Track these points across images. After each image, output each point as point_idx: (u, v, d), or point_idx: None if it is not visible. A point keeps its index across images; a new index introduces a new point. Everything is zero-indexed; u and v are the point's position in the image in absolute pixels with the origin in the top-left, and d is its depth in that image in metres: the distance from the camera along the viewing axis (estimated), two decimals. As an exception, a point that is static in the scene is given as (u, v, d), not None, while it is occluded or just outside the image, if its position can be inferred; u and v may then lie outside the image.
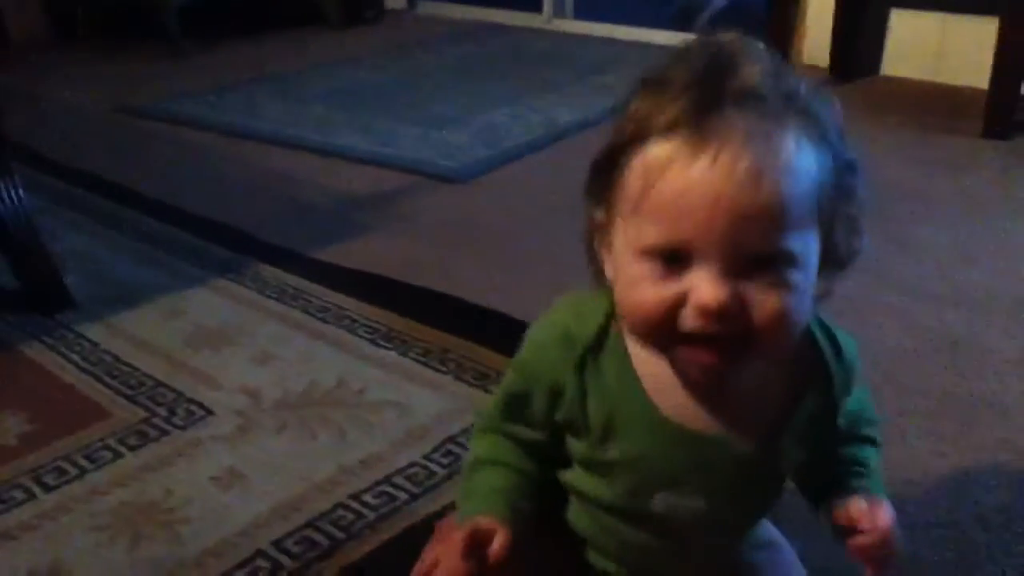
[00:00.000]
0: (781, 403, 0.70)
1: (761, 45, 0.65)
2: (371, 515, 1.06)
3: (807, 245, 0.63)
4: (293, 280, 1.63)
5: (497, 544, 0.68)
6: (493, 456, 0.76)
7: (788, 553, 0.83)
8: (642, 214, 0.63)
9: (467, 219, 1.84)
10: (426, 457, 1.15)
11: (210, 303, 1.56)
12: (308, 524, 1.05)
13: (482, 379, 1.30)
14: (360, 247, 1.76)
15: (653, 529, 0.75)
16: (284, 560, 1.00)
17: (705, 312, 0.61)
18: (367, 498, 1.09)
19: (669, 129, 0.61)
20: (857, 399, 0.75)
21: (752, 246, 0.61)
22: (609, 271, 0.69)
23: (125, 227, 1.89)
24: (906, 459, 1.13)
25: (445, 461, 1.14)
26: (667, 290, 0.62)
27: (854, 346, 0.74)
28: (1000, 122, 2.26)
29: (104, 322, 1.50)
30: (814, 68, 2.84)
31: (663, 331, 0.63)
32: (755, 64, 0.63)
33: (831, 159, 0.64)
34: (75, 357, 1.40)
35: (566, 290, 0.75)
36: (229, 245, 1.78)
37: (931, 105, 2.53)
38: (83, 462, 1.17)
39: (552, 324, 0.73)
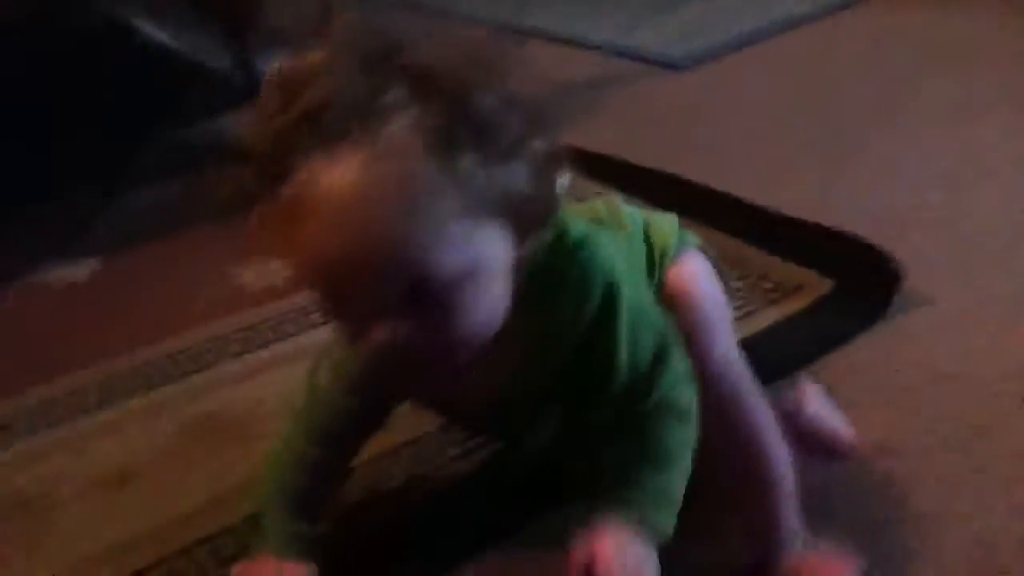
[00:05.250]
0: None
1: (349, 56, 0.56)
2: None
3: (459, 263, 0.58)
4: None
5: None
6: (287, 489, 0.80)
7: None
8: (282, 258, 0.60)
9: (689, 107, 1.84)
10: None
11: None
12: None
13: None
14: (580, 130, 1.79)
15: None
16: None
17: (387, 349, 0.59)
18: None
19: (268, 177, 0.56)
20: (613, 333, 0.68)
21: (379, 294, 0.57)
22: None
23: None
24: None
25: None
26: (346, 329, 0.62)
27: (592, 256, 0.68)
28: None
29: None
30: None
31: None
32: (323, 84, 0.55)
33: (490, 154, 0.57)
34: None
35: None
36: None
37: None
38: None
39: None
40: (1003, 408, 0.94)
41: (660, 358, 0.70)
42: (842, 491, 0.86)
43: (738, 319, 1.12)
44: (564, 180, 0.63)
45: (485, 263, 0.60)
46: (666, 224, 0.82)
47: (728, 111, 1.79)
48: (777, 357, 1.02)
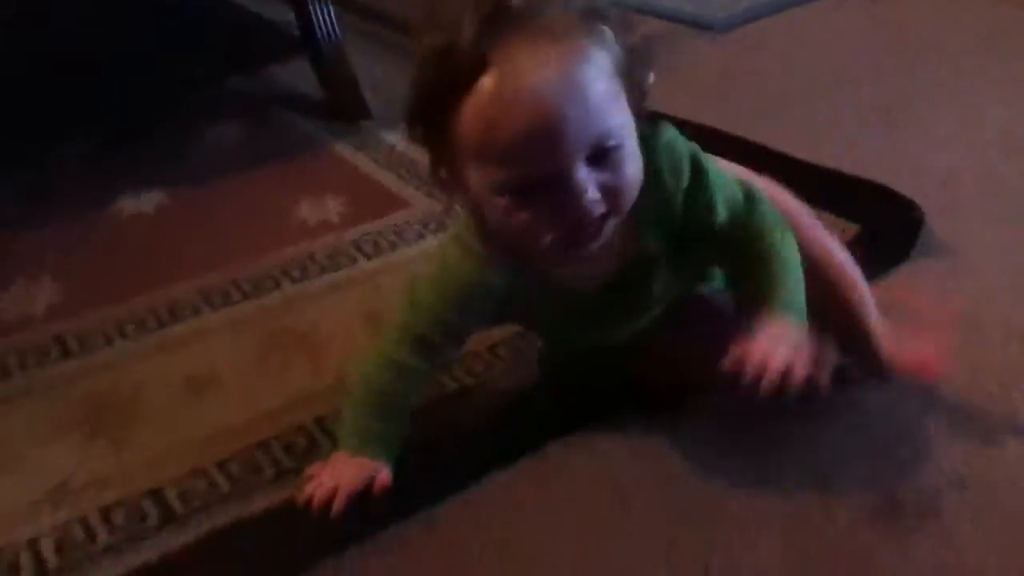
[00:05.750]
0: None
1: None
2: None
3: (622, 122, 0.72)
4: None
5: (378, 484, 0.86)
6: (379, 388, 0.89)
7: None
8: (481, 158, 0.70)
9: (724, 68, 1.90)
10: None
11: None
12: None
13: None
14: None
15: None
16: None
17: (582, 219, 0.71)
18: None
19: (467, 75, 0.67)
20: (708, 192, 0.82)
21: (580, 150, 0.69)
22: (468, 201, 0.79)
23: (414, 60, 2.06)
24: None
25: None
26: (537, 216, 0.72)
27: (672, 137, 0.81)
28: None
29: (398, 130, 1.67)
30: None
31: (547, 248, 0.74)
32: None
33: (614, 37, 0.71)
34: (377, 156, 1.60)
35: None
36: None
37: None
38: (393, 238, 1.36)
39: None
40: (1005, 348, 1.02)
41: (750, 197, 0.85)
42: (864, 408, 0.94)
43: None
44: (651, 75, 0.77)
45: (631, 125, 0.73)
46: None
47: (765, 72, 1.84)
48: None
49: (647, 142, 0.78)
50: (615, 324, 0.90)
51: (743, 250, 0.84)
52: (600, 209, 0.72)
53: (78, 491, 0.94)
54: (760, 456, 0.90)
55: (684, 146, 0.82)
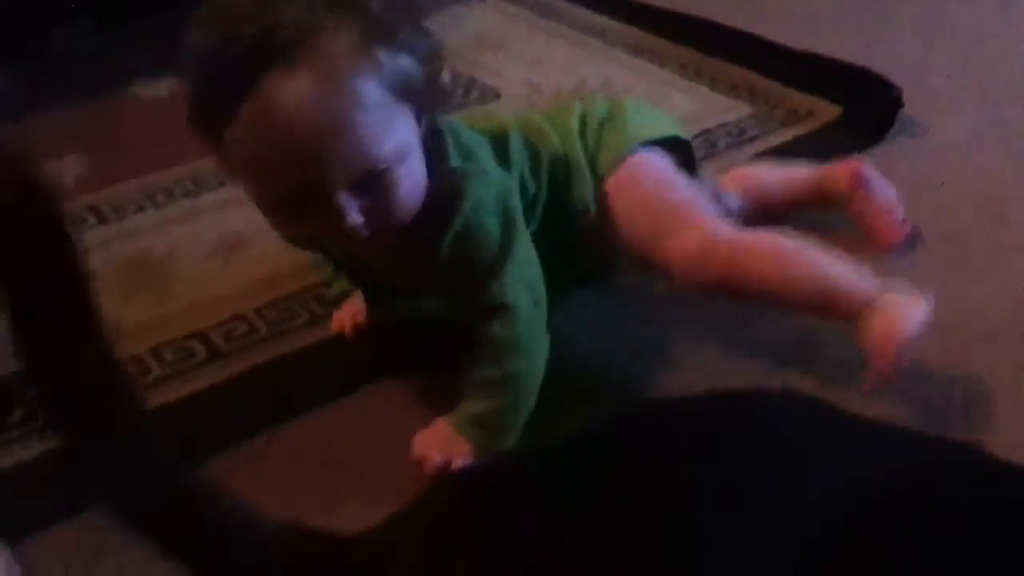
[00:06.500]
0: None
1: None
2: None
3: (394, 146, 0.71)
4: (556, 3, 1.82)
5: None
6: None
7: None
8: (245, 177, 0.73)
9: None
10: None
11: (483, 16, 1.79)
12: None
13: (733, 90, 1.46)
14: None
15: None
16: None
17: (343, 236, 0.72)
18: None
19: (230, 98, 0.67)
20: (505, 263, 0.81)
21: (340, 180, 0.69)
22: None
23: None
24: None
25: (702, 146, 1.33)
26: (303, 226, 0.75)
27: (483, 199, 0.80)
28: None
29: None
30: None
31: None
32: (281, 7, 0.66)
33: (399, 53, 0.70)
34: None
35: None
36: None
37: None
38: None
39: None
40: (976, 216, 1.12)
41: (495, 268, 0.81)
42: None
43: (756, 138, 1.29)
44: (446, 76, 0.78)
45: (408, 145, 0.73)
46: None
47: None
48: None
49: (458, 183, 0.79)
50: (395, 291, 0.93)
51: (486, 337, 0.82)
52: (365, 230, 0.72)
53: (127, 335, 1.02)
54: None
55: (494, 216, 0.80)
